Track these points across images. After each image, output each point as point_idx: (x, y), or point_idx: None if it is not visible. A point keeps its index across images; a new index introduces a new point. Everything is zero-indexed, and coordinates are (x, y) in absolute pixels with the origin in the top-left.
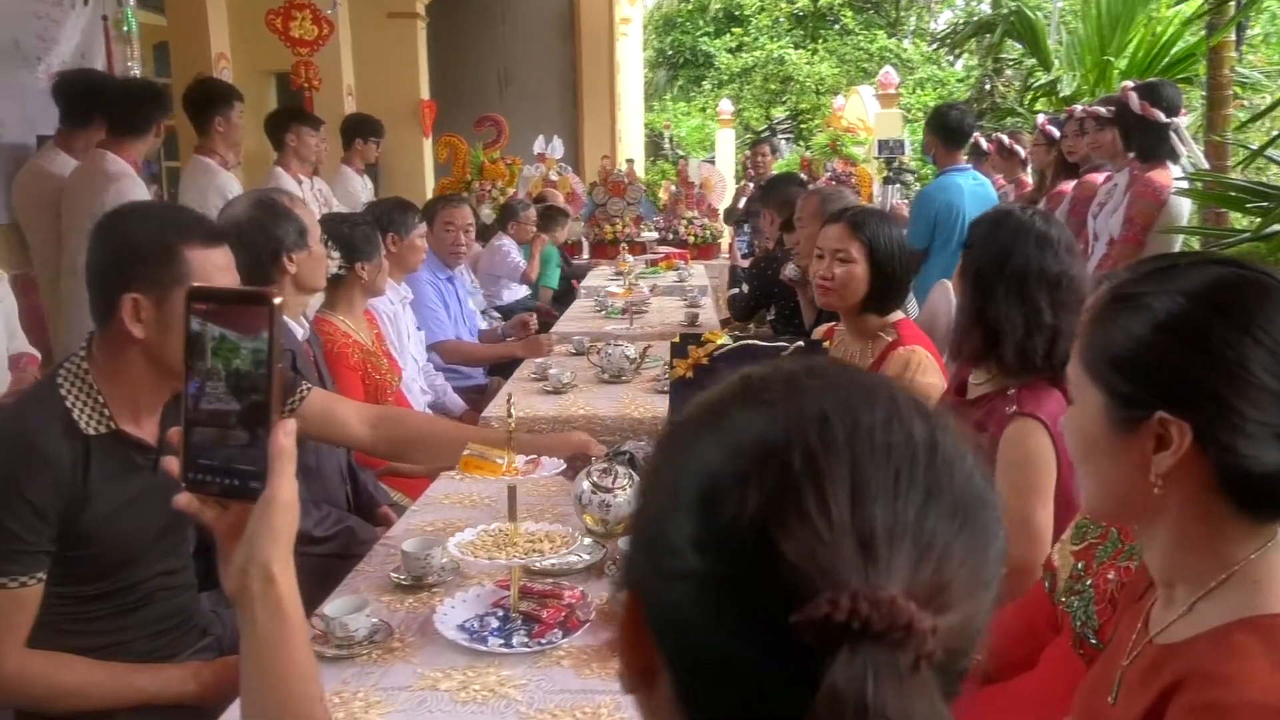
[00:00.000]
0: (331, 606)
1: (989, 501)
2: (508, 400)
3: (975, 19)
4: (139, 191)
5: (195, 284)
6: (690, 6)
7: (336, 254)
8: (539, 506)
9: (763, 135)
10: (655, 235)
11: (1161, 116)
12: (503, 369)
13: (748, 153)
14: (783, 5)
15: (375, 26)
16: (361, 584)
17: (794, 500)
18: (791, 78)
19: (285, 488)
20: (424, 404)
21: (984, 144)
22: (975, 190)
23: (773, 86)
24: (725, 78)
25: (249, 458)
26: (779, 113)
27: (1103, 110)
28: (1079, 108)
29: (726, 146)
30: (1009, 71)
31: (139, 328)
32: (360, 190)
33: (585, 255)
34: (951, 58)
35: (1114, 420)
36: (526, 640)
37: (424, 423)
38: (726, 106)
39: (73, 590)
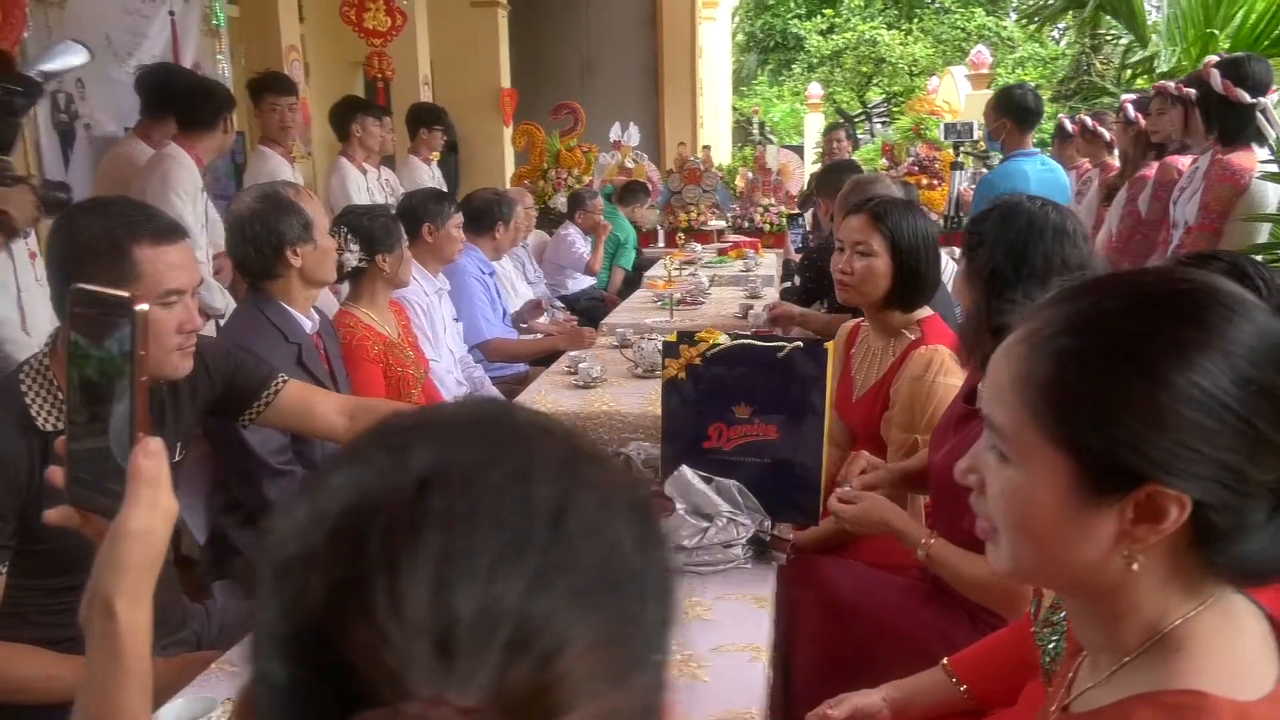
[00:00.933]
0: (169, 708)
1: (643, 572)
2: None
3: None
4: (183, 180)
5: (78, 285)
6: None
7: (355, 246)
8: None
9: (856, 119)
10: (723, 224)
11: (1245, 96)
12: (545, 359)
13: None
14: None
15: (457, 16)
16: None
17: (359, 590)
18: (884, 59)
19: (138, 516)
20: (459, 395)
21: (1068, 126)
22: (1043, 176)
23: (864, 69)
24: (815, 61)
25: (117, 476)
26: (875, 95)
27: (1171, 87)
28: (1169, 84)
29: (815, 131)
30: (1108, 48)
31: None
32: (427, 179)
33: (661, 244)
34: (1056, 35)
35: (1084, 490)
36: None
37: None
38: (815, 90)
39: (38, 583)
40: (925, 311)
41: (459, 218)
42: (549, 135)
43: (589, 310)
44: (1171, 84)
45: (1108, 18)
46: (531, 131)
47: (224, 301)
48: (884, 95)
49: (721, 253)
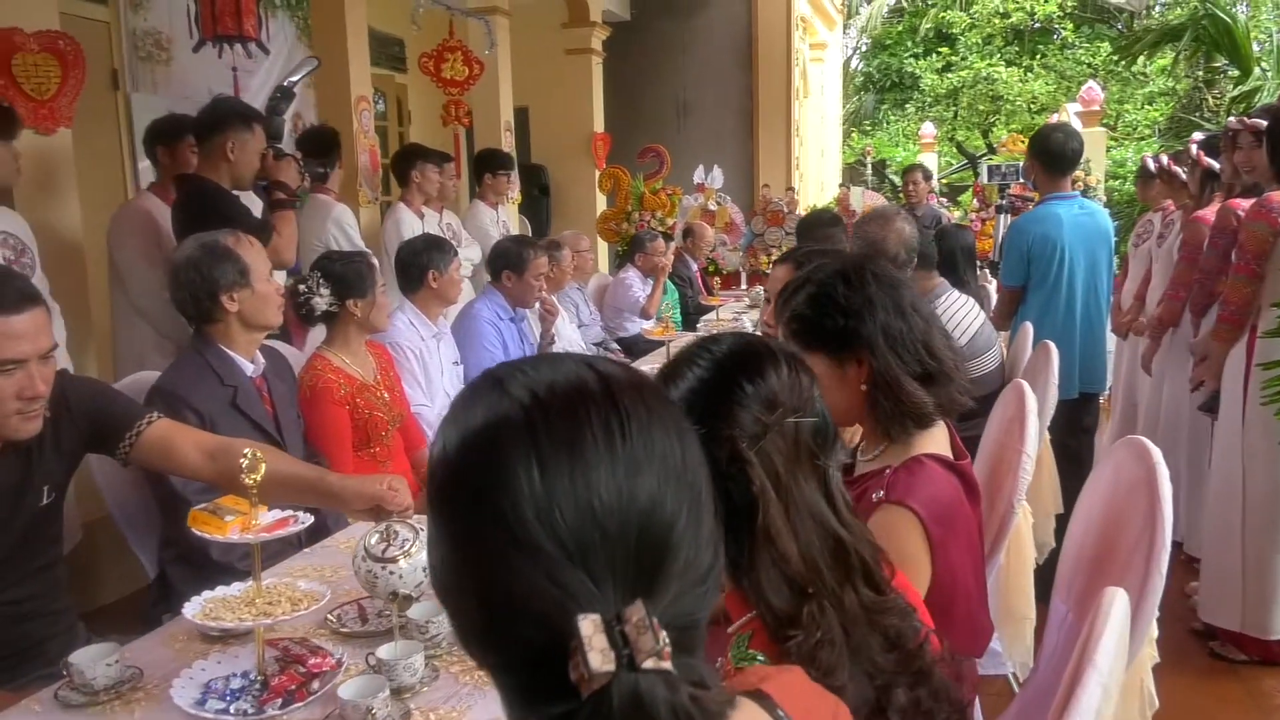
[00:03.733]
0: (80, 653)
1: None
2: (248, 453)
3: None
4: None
5: None
6: (900, 27)
7: (326, 291)
8: None
9: (980, 158)
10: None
11: None
12: None
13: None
14: (995, 21)
15: (551, 63)
16: None
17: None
18: (1002, 97)
19: None
20: None
21: (1150, 165)
22: (1079, 221)
23: (982, 107)
24: (929, 100)
25: None
26: (1000, 134)
27: (1233, 121)
28: (1233, 119)
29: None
30: (1222, 82)
31: None
32: (489, 224)
33: (743, 285)
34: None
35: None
36: (247, 708)
37: (280, 463)
38: (929, 130)
39: None
40: None
41: (459, 261)
42: (634, 178)
43: (647, 353)
44: (1233, 119)
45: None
46: (617, 175)
47: None
48: (1009, 133)
49: None
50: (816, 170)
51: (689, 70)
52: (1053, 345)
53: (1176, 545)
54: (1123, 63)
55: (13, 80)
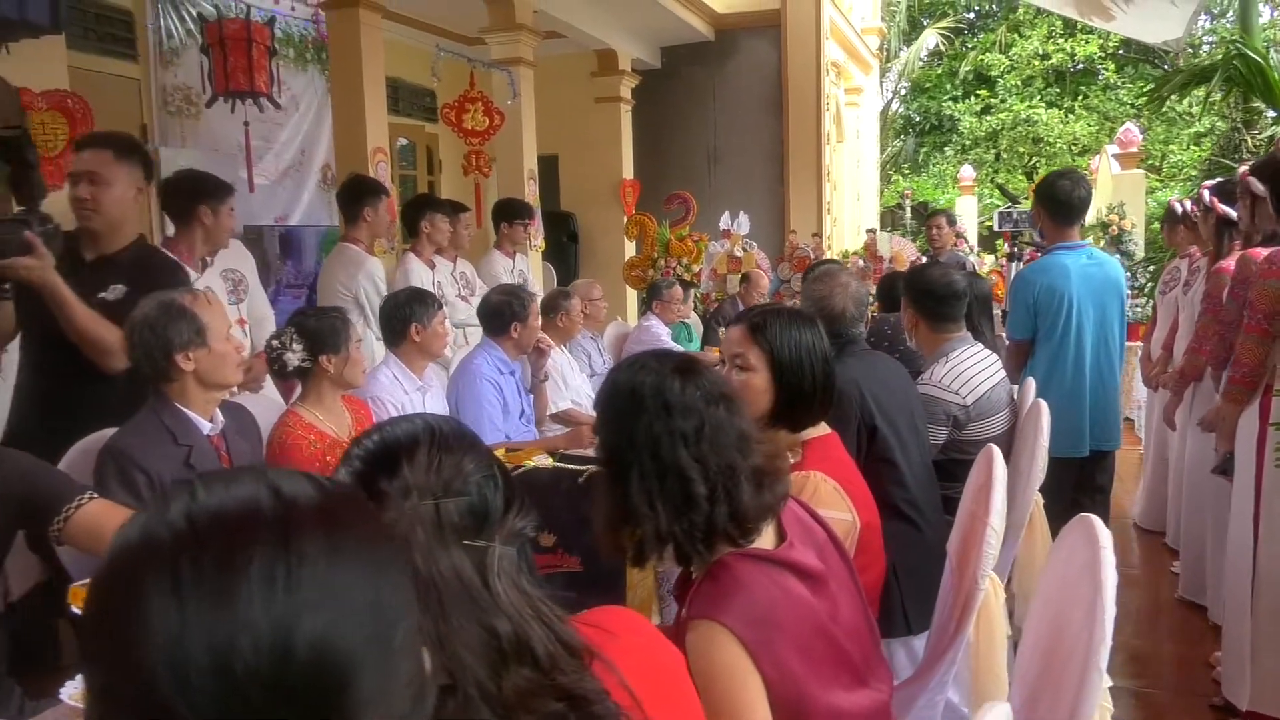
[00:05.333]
0: None
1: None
2: None
3: (1191, 66)
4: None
5: None
6: (940, 70)
7: (299, 347)
8: None
9: (1022, 199)
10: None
11: None
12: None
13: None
14: (1035, 63)
15: (580, 111)
16: None
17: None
18: (1042, 139)
19: None
20: None
21: (1177, 209)
22: (1087, 271)
23: (1021, 149)
24: (968, 142)
25: None
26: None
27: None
28: (1244, 168)
29: (968, 214)
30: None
31: None
32: (505, 274)
33: None
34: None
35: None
36: None
37: None
38: (968, 173)
39: None
40: (818, 430)
41: (443, 314)
42: (659, 225)
43: None
44: (1244, 168)
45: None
46: (643, 222)
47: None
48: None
49: None
50: (852, 214)
51: (719, 117)
52: (1044, 405)
53: (1201, 609)
54: (1150, 105)
55: None
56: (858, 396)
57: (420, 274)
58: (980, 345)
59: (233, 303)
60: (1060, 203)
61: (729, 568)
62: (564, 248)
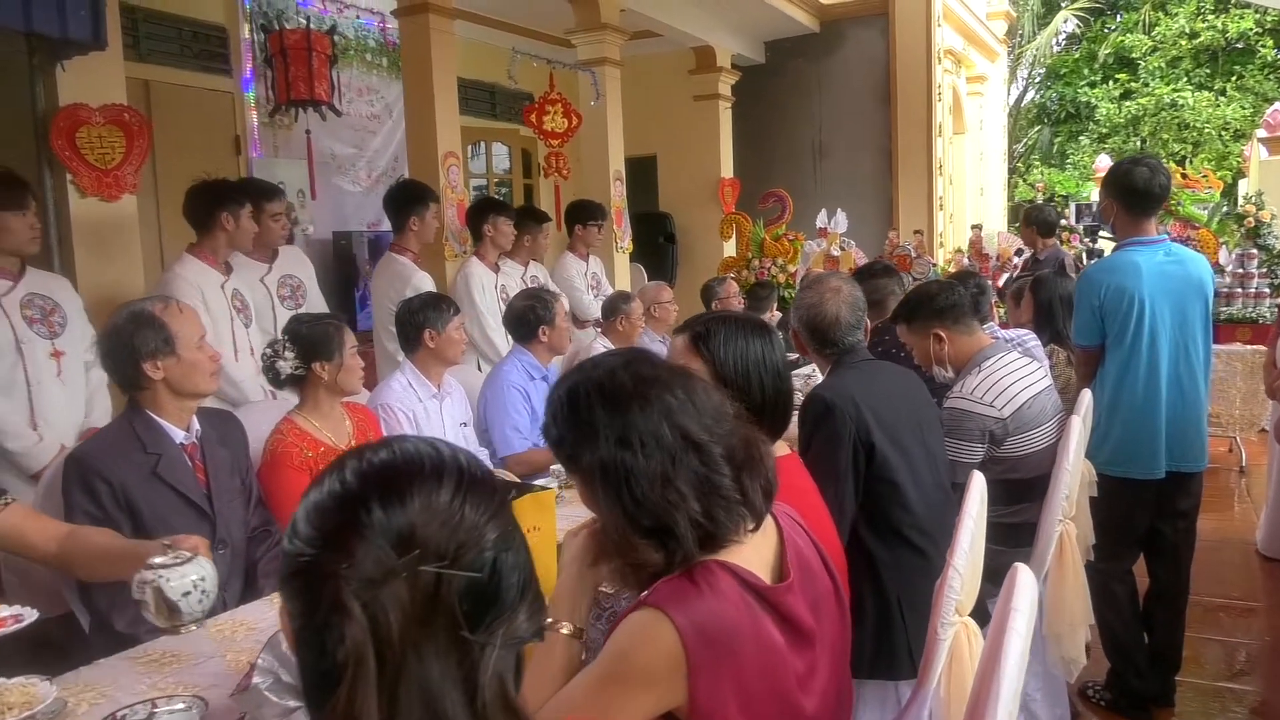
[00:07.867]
0: None
1: None
2: None
3: None
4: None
5: None
6: (1077, 55)
7: (291, 354)
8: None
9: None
10: None
11: None
12: None
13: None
14: (1182, 43)
15: (679, 110)
16: None
17: None
18: (1189, 124)
19: None
20: None
21: None
22: (1164, 270)
23: (1165, 135)
24: (1105, 130)
25: None
26: (1201, 164)
27: None
28: None
29: None
30: None
31: None
32: (576, 276)
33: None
34: None
35: None
36: None
37: (102, 539)
38: (1104, 162)
39: None
40: (778, 450)
41: (459, 319)
42: (755, 224)
43: None
44: None
45: None
46: (738, 221)
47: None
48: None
49: None
50: (975, 210)
51: (824, 110)
52: (1077, 421)
53: None
54: None
55: (77, 151)
56: (852, 411)
57: (482, 277)
58: (1017, 353)
59: (289, 308)
60: (1138, 192)
61: (711, 573)
62: (661, 248)
